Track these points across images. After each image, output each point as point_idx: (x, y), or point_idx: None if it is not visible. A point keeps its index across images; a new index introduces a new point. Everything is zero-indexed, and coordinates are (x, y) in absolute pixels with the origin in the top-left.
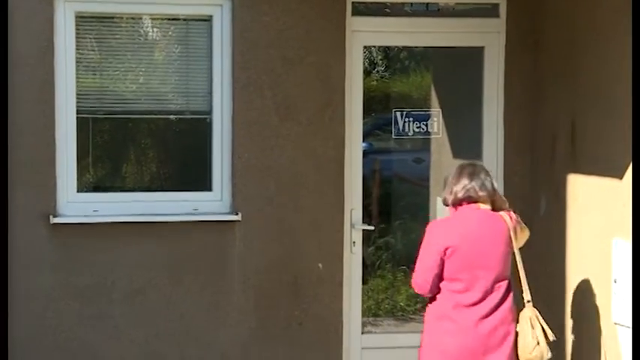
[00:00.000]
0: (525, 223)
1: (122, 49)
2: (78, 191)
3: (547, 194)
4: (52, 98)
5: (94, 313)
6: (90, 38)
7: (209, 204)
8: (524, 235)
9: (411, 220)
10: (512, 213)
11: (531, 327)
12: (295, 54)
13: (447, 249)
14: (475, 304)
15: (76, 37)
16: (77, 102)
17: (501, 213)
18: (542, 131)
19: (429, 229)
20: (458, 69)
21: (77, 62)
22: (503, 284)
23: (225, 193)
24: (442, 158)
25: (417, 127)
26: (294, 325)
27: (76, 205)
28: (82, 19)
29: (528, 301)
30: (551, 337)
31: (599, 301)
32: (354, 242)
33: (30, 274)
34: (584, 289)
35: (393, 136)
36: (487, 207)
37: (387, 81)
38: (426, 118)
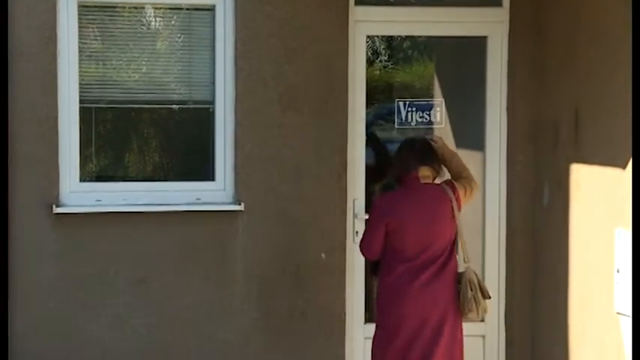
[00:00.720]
0: (528, 213)
1: (125, 38)
2: (81, 181)
3: (550, 183)
4: (55, 88)
5: (97, 303)
6: (93, 28)
7: (212, 194)
8: (472, 190)
9: None
10: (456, 182)
11: (470, 288)
12: (298, 43)
13: (390, 222)
14: (419, 270)
15: (79, 27)
16: (80, 92)
17: (443, 184)
18: (546, 120)
19: (375, 203)
20: (461, 58)
21: (80, 52)
22: (446, 251)
23: (227, 182)
24: None
25: (420, 117)
26: (296, 314)
27: (79, 194)
28: (84, 9)
29: (465, 261)
30: (488, 295)
31: (602, 291)
32: (356, 232)
33: (32, 263)
34: (587, 278)
35: (396, 126)
36: (430, 180)
37: (390, 71)
38: (428, 107)
